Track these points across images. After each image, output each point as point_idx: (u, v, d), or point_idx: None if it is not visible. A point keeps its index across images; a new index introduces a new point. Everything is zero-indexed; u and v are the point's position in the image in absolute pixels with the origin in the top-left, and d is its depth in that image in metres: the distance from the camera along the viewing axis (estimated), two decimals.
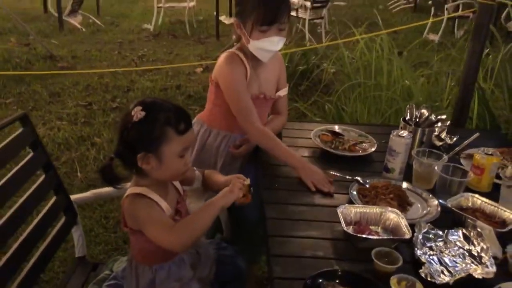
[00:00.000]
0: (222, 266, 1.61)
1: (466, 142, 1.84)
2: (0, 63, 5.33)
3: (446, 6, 7.75)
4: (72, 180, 3.15)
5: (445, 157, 1.67)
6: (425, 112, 1.81)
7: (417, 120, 1.82)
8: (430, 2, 8.42)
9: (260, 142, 1.80)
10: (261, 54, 1.79)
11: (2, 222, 1.41)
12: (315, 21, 7.48)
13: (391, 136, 1.65)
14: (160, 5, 7.53)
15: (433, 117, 1.79)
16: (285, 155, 1.72)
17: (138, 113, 1.31)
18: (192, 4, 7.57)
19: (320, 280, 1.15)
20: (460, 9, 8.18)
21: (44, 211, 1.64)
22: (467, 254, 1.31)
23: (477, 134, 1.86)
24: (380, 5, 10.38)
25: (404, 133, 1.65)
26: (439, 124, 1.83)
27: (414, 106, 1.85)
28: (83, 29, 7.24)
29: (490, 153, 1.63)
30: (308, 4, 7.08)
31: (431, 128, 1.78)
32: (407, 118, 1.82)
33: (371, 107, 2.95)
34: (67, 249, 2.43)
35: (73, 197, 1.81)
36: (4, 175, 1.47)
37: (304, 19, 7.07)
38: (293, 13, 7.23)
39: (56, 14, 7.31)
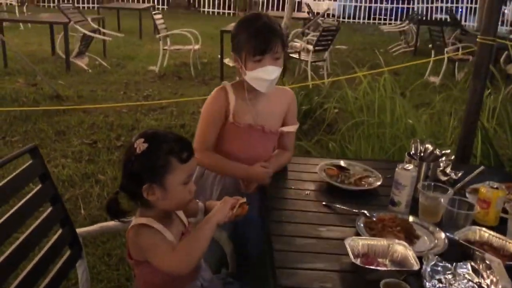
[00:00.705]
0: None
1: (471, 175, 1.85)
2: (8, 102, 5.42)
3: (446, 49, 7.93)
4: (76, 217, 3.14)
5: (451, 190, 1.68)
6: (429, 146, 1.83)
7: (422, 154, 1.84)
8: (430, 46, 8.60)
9: (203, 162, 1.88)
10: (257, 84, 1.84)
11: (8, 254, 1.41)
12: (317, 63, 7.63)
13: (396, 169, 1.66)
14: (166, 47, 7.71)
15: (437, 151, 1.81)
16: (228, 167, 1.89)
17: (140, 145, 1.34)
18: (197, 47, 7.74)
19: None
20: (460, 52, 8.36)
21: (49, 244, 1.63)
22: (476, 287, 1.30)
23: (482, 168, 1.87)
24: (381, 48, 10.61)
25: (410, 166, 1.66)
26: (444, 158, 1.84)
27: (418, 141, 1.87)
28: (90, 70, 7.39)
29: (495, 186, 1.64)
30: (310, 47, 7.25)
31: (436, 162, 1.80)
32: (411, 153, 1.84)
33: (375, 144, 2.97)
34: (70, 287, 2.40)
35: (79, 230, 1.80)
36: (12, 206, 1.48)
37: (307, 61, 7.21)
38: (296, 55, 7.41)
39: (63, 56, 7.48)
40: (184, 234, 1.49)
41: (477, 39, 2.27)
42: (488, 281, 1.29)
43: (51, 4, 16.35)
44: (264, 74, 1.81)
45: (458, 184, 1.80)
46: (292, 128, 2.05)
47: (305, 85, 5.65)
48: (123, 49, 9.47)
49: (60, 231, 1.70)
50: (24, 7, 12.53)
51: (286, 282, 1.27)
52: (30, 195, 1.58)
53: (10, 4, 14.13)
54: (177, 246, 1.36)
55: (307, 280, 1.29)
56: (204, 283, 1.54)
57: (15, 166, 1.76)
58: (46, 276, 1.60)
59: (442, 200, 1.60)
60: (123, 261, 2.72)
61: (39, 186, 1.65)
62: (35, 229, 1.55)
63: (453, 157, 1.92)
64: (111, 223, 1.91)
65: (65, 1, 11.49)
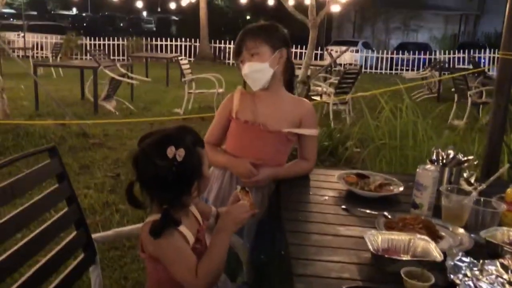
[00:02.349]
0: None
1: (497, 173, 1.77)
2: (36, 139, 5.56)
3: (469, 92, 7.88)
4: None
5: (474, 193, 1.61)
6: (451, 152, 1.78)
7: (444, 161, 1.78)
8: (453, 90, 8.57)
9: None
10: (248, 82, 1.96)
11: (19, 246, 1.40)
12: (339, 107, 7.65)
13: (417, 170, 1.62)
14: (191, 91, 7.89)
15: (460, 156, 1.76)
16: (217, 156, 1.97)
17: (180, 152, 1.29)
18: (221, 90, 7.90)
19: None
20: (484, 95, 8.30)
21: (63, 243, 1.61)
22: (506, 282, 1.21)
23: (508, 165, 1.80)
24: (404, 95, 10.61)
25: (431, 167, 1.61)
26: (466, 164, 1.78)
27: (440, 148, 1.82)
28: (117, 113, 7.57)
29: None
30: (332, 89, 7.31)
31: (459, 167, 1.74)
32: (433, 159, 1.79)
33: (397, 168, 2.91)
34: None
35: (94, 235, 1.79)
36: (28, 201, 1.49)
37: (328, 103, 7.25)
38: (318, 98, 7.47)
39: (92, 99, 7.72)
40: (199, 231, 1.45)
41: (499, 55, 2.25)
42: None
43: (84, 57, 17.10)
44: (244, 71, 1.92)
45: (483, 184, 1.72)
46: (304, 131, 1.96)
47: (327, 124, 5.66)
48: (150, 94, 9.73)
49: (74, 233, 1.70)
50: (58, 58, 13.13)
51: (302, 271, 1.21)
52: (46, 192, 1.58)
53: (46, 56, 14.89)
54: (199, 268, 1.30)
55: (323, 270, 1.23)
56: (218, 283, 1.49)
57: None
58: (58, 276, 1.57)
59: (466, 201, 1.53)
60: (139, 284, 2.66)
61: (56, 185, 1.66)
62: (49, 226, 1.55)
63: (476, 162, 1.85)
64: (126, 228, 1.91)
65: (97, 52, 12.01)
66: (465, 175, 1.87)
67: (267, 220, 1.91)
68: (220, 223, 1.41)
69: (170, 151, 1.29)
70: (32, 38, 17.30)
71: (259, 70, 1.90)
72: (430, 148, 3.11)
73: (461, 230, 1.48)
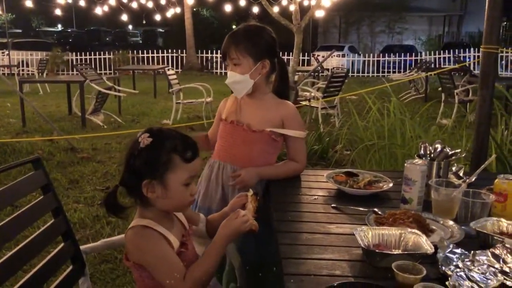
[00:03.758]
0: None
1: (486, 162, 1.77)
2: (23, 155, 5.50)
3: (456, 91, 7.94)
4: (85, 256, 3.07)
5: (464, 185, 1.61)
6: (439, 146, 1.78)
7: (432, 155, 1.78)
8: (440, 89, 8.64)
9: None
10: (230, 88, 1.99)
11: (4, 260, 1.37)
12: (328, 111, 7.66)
13: (405, 165, 1.61)
14: (179, 101, 7.87)
15: (448, 149, 1.76)
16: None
17: (145, 140, 1.31)
18: (209, 99, 7.89)
19: None
20: (470, 93, 8.37)
21: (51, 255, 1.58)
22: (498, 271, 1.20)
23: (494, 156, 1.80)
24: (391, 97, 10.67)
25: (420, 161, 1.60)
26: (454, 158, 1.78)
27: (427, 143, 1.82)
28: (105, 126, 7.52)
29: (511, 178, 1.57)
30: (319, 94, 7.32)
31: (447, 161, 1.74)
32: (421, 153, 1.79)
33: (387, 167, 2.90)
34: None
35: (82, 247, 1.76)
36: (12, 214, 1.46)
37: (317, 107, 7.26)
38: (306, 103, 7.48)
39: (79, 114, 7.67)
40: (184, 236, 1.43)
41: (481, 48, 2.27)
42: (511, 266, 1.20)
43: (70, 73, 17.02)
44: (227, 80, 1.95)
45: (472, 176, 1.72)
46: (287, 131, 1.94)
47: (316, 129, 5.65)
48: (138, 107, 9.68)
49: (62, 245, 1.67)
50: (44, 75, 13.06)
51: (293, 271, 1.20)
52: (31, 204, 1.56)
53: (32, 73, 14.80)
54: (187, 274, 1.28)
55: (314, 268, 1.21)
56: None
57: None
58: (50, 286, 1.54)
59: (456, 193, 1.53)
60: None
61: (41, 197, 1.63)
62: (35, 238, 1.52)
63: (464, 154, 1.86)
64: (114, 238, 1.89)
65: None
66: (453, 169, 1.87)
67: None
68: (217, 234, 1.37)
69: (143, 137, 1.31)
70: (17, 55, 17.21)
71: (239, 81, 1.91)
72: (418, 146, 3.13)
73: (452, 223, 1.47)
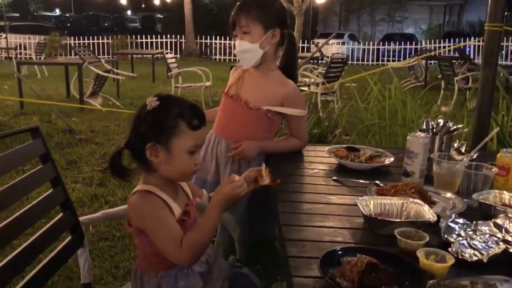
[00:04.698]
0: (235, 282, 1.50)
1: (489, 136, 1.76)
2: (21, 136, 5.47)
3: (455, 78, 7.92)
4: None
5: (466, 158, 1.59)
6: (441, 121, 1.77)
7: (434, 130, 1.77)
8: (439, 76, 8.61)
9: None
10: (238, 58, 1.93)
11: (1, 227, 1.35)
12: (327, 98, 7.63)
13: (408, 138, 1.60)
14: (178, 85, 7.83)
15: (450, 124, 1.74)
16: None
17: (152, 102, 1.30)
18: (208, 83, 7.85)
19: (340, 252, 1.05)
20: (470, 81, 8.34)
21: (49, 224, 1.57)
22: (500, 240, 1.19)
23: (498, 128, 1.79)
24: (391, 85, 10.63)
25: (422, 134, 1.59)
26: (456, 133, 1.76)
27: (429, 118, 1.81)
28: (103, 109, 7.48)
29: None
30: (321, 79, 7.29)
31: (449, 135, 1.73)
32: (423, 128, 1.77)
33: (387, 146, 2.89)
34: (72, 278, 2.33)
35: (81, 218, 1.74)
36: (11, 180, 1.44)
37: (316, 93, 7.23)
38: (305, 88, 7.45)
39: (78, 96, 7.63)
40: (188, 206, 1.42)
41: (485, 27, 2.24)
42: None
43: (68, 57, 16.92)
44: (235, 49, 1.89)
45: (474, 151, 1.70)
46: (286, 110, 1.90)
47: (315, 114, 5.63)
48: (136, 91, 9.63)
49: (61, 215, 1.65)
50: (42, 58, 12.96)
51: (294, 237, 1.19)
52: (29, 173, 1.54)
53: (30, 57, 14.69)
54: (184, 240, 1.28)
55: (316, 235, 1.20)
56: (209, 258, 1.45)
57: None
58: (45, 258, 1.53)
59: (458, 166, 1.52)
60: (130, 273, 2.62)
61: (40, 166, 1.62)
62: (33, 207, 1.50)
63: (466, 129, 1.84)
64: (113, 209, 1.87)
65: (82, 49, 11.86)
66: (455, 145, 1.86)
67: (258, 199, 1.88)
68: (212, 199, 1.37)
69: (150, 100, 1.30)
70: (15, 39, 17.07)
71: (248, 50, 1.86)
72: (419, 126, 3.11)
73: (454, 196, 1.46)
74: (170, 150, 1.30)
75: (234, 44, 1.97)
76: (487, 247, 1.15)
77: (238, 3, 1.88)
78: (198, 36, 19.83)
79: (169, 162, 1.31)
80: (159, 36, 19.29)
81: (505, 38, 16.16)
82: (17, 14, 29.01)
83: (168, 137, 1.29)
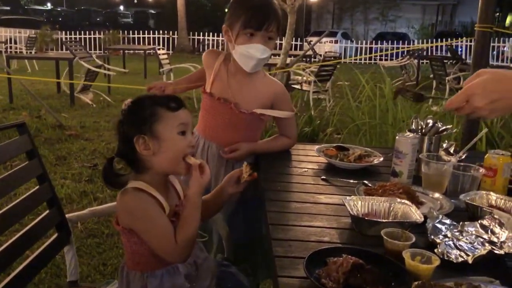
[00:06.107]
0: (223, 281, 1.49)
1: (478, 136, 1.77)
2: (11, 132, 5.42)
3: (447, 78, 7.96)
4: (72, 229, 3.05)
5: (454, 159, 1.60)
6: (430, 121, 1.77)
7: (423, 130, 1.77)
8: (431, 76, 8.65)
9: None
10: (244, 61, 1.77)
11: None
12: (319, 97, 7.62)
13: (396, 138, 1.60)
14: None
15: (439, 124, 1.75)
16: None
17: (126, 103, 1.34)
18: None
19: (326, 252, 1.04)
20: (462, 81, 8.39)
21: (35, 221, 1.55)
22: (486, 241, 1.20)
23: (486, 130, 1.79)
24: (383, 84, 10.66)
25: (411, 134, 1.59)
26: (445, 133, 1.77)
27: (418, 117, 1.81)
28: (94, 105, 7.44)
29: (501, 153, 1.56)
30: (313, 78, 7.29)
31: (438, 136, 1.73)
32: (412, 128, 1.77)
33: (378, 145, 2.89)
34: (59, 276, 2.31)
35: (68, 215, 1.73)
36: None
37: (308, 91, 7.23)
38: (297, 86, 7.44)
39: (68, 91, 7.57)
40: (177, 206, 1.41)
41: (475, 28, 2.25)
42: (498, 235, 1.20)
43: (59, 51, 16.77)
44: (254, 51, 1.73)
45: (462, 151, 1.71)
46: (277, 113, 1.88)
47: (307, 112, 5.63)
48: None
49: (47, 212, 1.64)
50: (33, 52, 12.84)
51: (281, 236, 1.18)
52: (15, 169, 1.52)
53: (20, 51, 14.55)
54: (178, 237, 1.26)
55: (302, 235, 1.20)
56: (197, 259, 1.44)
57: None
58: (31, 254, 1.52)
59: (446, 167, 1.52)
60: (117, 270, 2.61)
61: (26, 162, 1.60)
62: (20, 203, 1.49)
63: (455, 130, 1.85)
64: (100, 207, 1.87)
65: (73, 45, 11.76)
66: (444, 145, 1.87)
67: (247, 198, 1.87)
68: (186, 196, 1.35)
69: (124, 103, 1.34)
70: (5, 32, 16.89)
71: (267, 58, 1.78)
72: (409, 126, 3.12)
73: (441, 196, 1.47)
74: (158, 136, 1.28)
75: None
76: (472, 248, 1.15)
77: (266, 5, 1.74)
78: (191, 32, 19.76)
79: (162, 150, 1.28)
80: (151, 31, 19.20)
81: (496, 39, 16.25)
82: (8, 8, 28.70)
83: (151, 125, 1.28)
